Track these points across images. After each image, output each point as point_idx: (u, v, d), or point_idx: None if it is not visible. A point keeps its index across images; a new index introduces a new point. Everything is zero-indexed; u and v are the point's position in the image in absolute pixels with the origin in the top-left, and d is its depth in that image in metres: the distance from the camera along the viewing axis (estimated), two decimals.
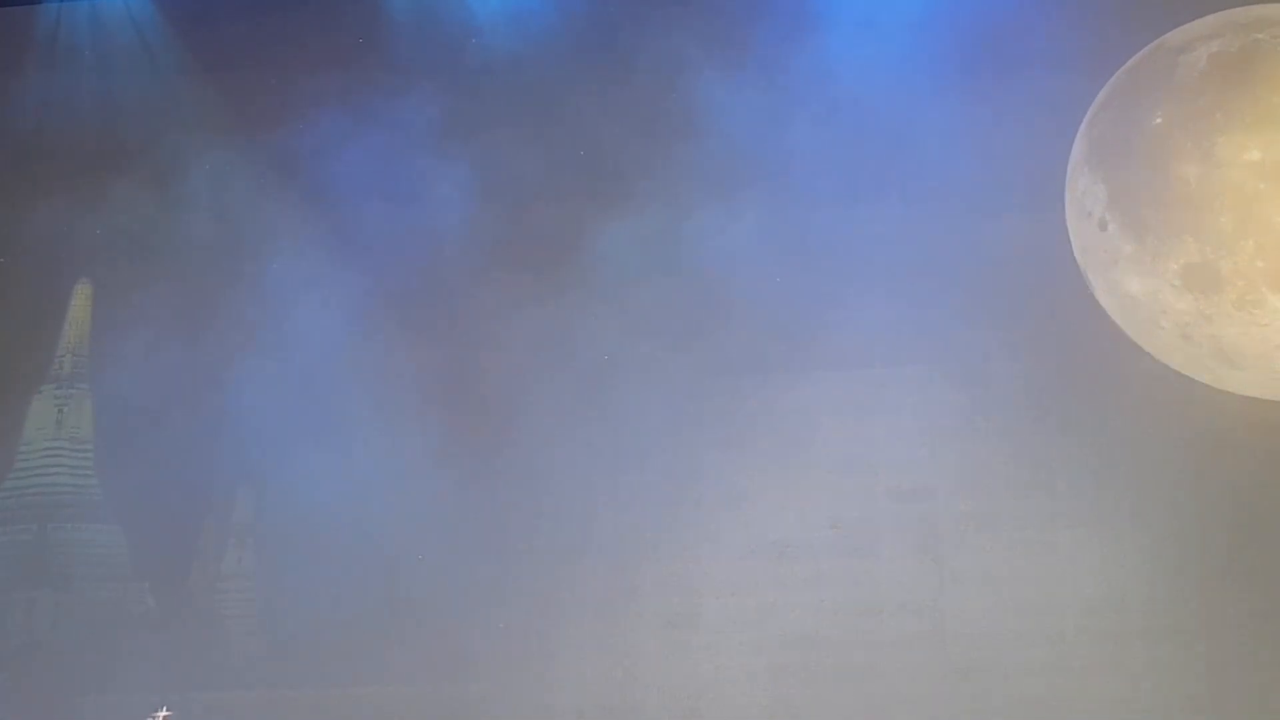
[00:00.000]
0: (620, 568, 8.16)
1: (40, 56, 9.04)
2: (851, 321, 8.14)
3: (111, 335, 8.69)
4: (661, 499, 8.18)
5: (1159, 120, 7.91)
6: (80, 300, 8.74)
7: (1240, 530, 7.81)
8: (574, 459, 8.28)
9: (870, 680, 7.94)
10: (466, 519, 8.15)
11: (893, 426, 8.14)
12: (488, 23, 8.62)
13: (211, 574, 8.41)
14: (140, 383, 8.47)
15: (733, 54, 8.36)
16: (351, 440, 8.20)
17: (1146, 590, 7.80)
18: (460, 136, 8.58)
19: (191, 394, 8.26)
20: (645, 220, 8.28)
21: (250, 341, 8.36)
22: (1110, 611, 7.84)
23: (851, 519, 8.14)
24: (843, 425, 8.18)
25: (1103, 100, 8.04)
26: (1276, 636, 7.65)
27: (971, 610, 7.97)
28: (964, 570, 8.02)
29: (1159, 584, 7.80)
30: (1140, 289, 8.00)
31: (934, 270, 8.07)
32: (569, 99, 8.57)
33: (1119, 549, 7.87)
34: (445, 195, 8.46)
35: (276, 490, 8.36)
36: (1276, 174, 7.76)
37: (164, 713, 7.20)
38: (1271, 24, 7.82)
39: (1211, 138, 7.81)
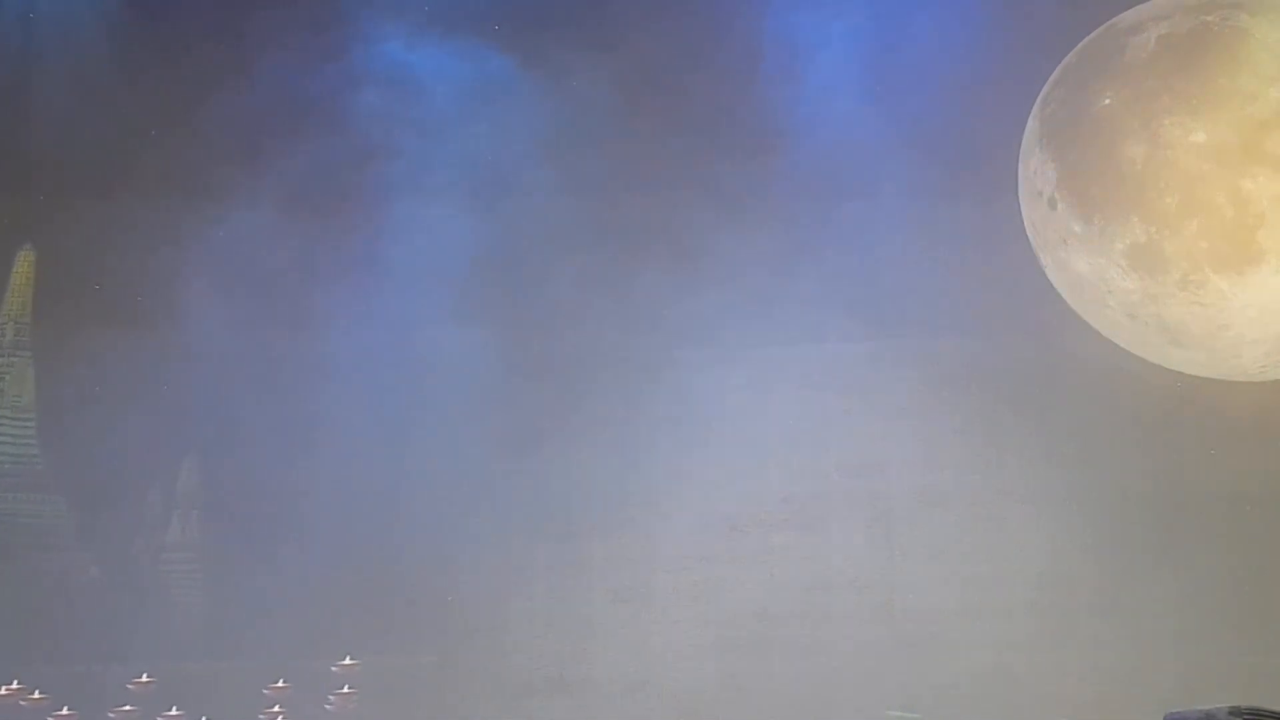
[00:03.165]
0: (570, 542, 8.37)
1: None
2: (803, 298, 8.36)
3: (54, 303, 8.68)
4: (612, 474, 8.37)
5: (1108, 101, 8.24)
6: (22, 267, 8.75)
7: (1183, 507, 8.11)
8: (524, 434, 8.43)
9: (819, 654, 8.24)
10: (416, 492, 8.32)
11: (844, 402, 8.39)
12: None
13: (156, 544, 8.45)
14: (84, 351, 8.46)
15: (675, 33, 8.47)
16: (299, 410, 8.24)
17: (1093, 565, 8.15)
18: None
19: (136, 362, 8.26)
20: (586, 193, 8.39)
21: (196, 310, 8.37)
22: (1057, 586, 8.15)
23: (802, 494, 8.36)
24: (794, 401, 8.42)
25: (1055, 79, 8.37)
26: (1214, 612, 7.96)
27: (920, 585, 8.27)
28: (913, 545, 8.32)
29: (1105, 559, 8.15)
30: (1088, 268, 8.31)
31: (886, 247, 8.31)
32: None
33: (1067, 525, 8.22)
34: None
35: (222, 459, 8.38)
36: (1221, 156, 8.09)
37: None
38: (1220, 7, 8.17)
39: (1159, 119, 8.15)
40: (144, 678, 8.03)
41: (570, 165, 8.36)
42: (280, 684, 8.11)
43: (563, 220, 8.35)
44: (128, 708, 8.07)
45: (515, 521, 8.38)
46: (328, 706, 8.17)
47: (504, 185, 8.49)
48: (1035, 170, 8.38)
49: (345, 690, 8.15)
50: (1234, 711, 5.26)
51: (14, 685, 7.98)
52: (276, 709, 8.09)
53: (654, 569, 8.38)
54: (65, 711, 7.99)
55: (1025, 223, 8.39)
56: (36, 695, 8.00)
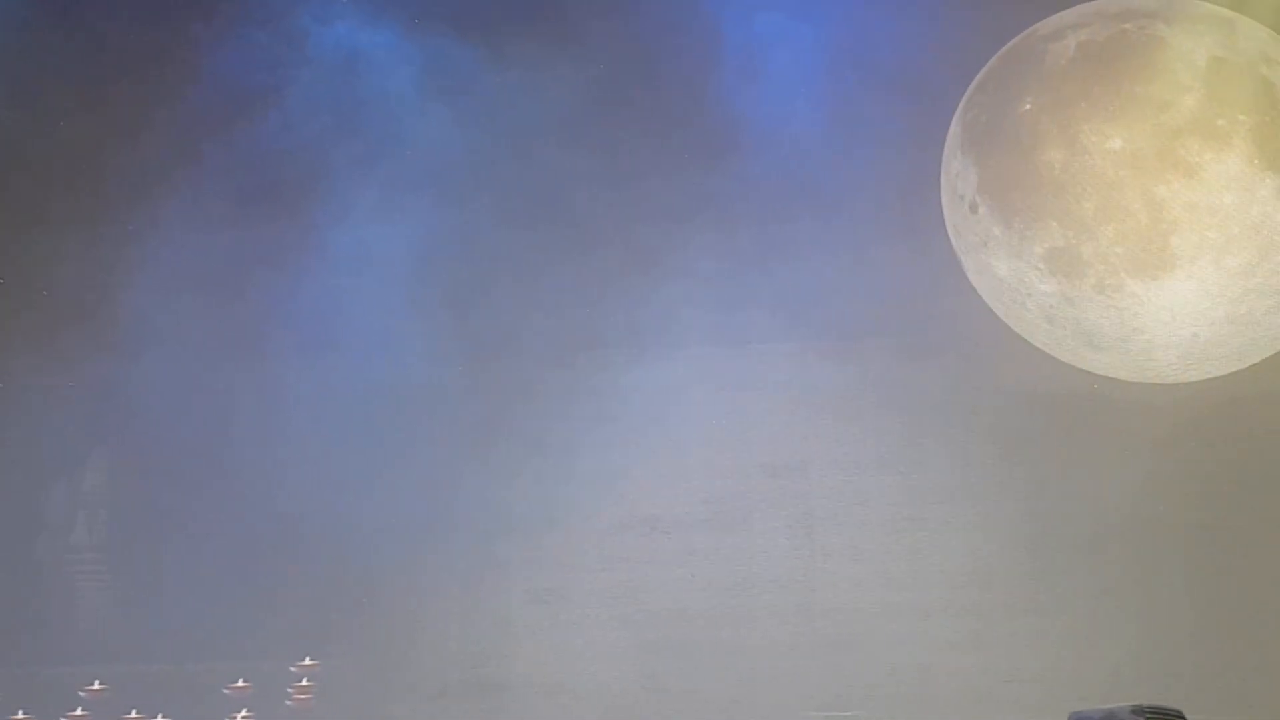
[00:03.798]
0: (488, 541, 8.32)
1: None
2: (726, 298, 8.39)
3: None
4: (532, 473, 8.33)
5: (1028, 106, 8.40)
6: None
7: (1099, 507, 8.24)
8: (441, 431, 8.35)
9: (740, 655, 8.27)
10: (329, 487, 8.18)
11: (766, 403, 8.49)
12: None
13: (60, 545, 8.20)
14: None
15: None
16: (210, 402, 8.08)
17: (1009, 565, 8.29)
18: None
19: (36, 347, 8.04)
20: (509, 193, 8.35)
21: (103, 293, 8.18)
22: (974, 586, 8.28)
23: (724, 494, 8.35)
24: (717, 401, 8.47)
25: (978, 84, 8.49)
26: (1129, 611, 8.13)
27: (841, 584, 8.32)
28: (834, 545, 8.39)
29: (1021, 559, 8.29)
30: (1007, 271, 8.46)
31: (809, 249, 8.37)
32: None
33: (985, 525, 8.35)
34: None
35: (131, 455, 8.18)
36: (1137, 162, 8.28)
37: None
38: (1139, 15, 8.38)
39: (1076, 125, 8.34)
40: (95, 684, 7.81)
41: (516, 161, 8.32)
42: (241, 683, 7.95)
43: (494, 216, 8.32)
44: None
45: (429, 521, 8.27)
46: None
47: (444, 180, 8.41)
48: (957, 174, 8.51)
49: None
50: (1136, 710, 5.34)
51: None
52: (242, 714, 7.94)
53: (574, 570, 8.33)
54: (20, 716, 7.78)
55: (947, 226, 8.51)
56: None
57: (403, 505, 8.28)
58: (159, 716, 7.95)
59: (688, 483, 8.42)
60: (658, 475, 8.40)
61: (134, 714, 7.92)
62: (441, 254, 8.32)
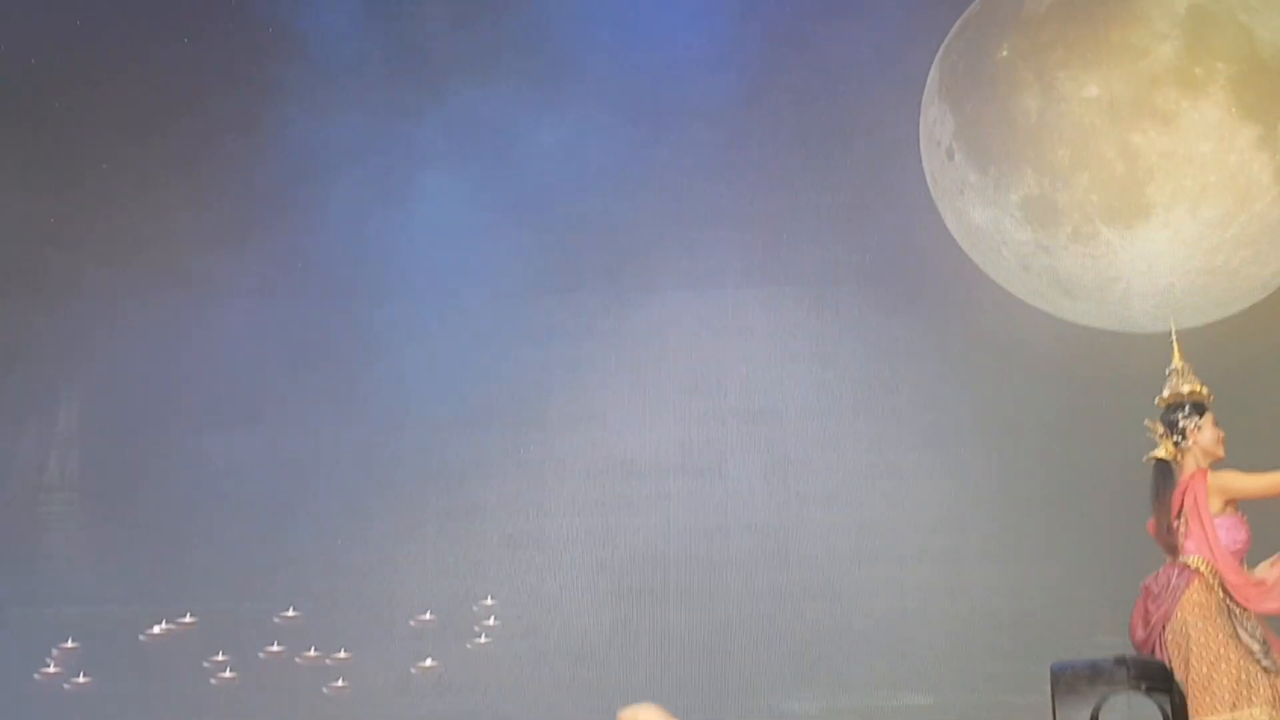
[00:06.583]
0: (464, 485, 8.48)
1: None
2: (703, 242, 8.54)
3: None
4: (508, 417, 8.46)
5: (1005, 53, 8.52)
6: None
7: (1073, 455, 8.33)
8: (419, 377, 8.46)
9: (714, 600, 8.45)
10: (304, 429, 8.29)
11: (742, 348, 8.65)
12: None
13: (32, 485, 8.27)
14: None
15: None
16: (185, 344, 8.17)
17: (986, 512, 8.46)
18: None
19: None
20: (481, 130, 8.44)
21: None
22: (950, 532, 8.42)
23: (699, 440, 8.45)
24: (692, 346, 8.65)
25: (957, 30, 8.66)
26: (1106, 559, 8.18)
27: (816, 531, 8.49)
28: (809, 492, 8.56)
29: (998, 506, 8.48)
30: (983, 219, 8.62)
31: (785, 192, 8.50)
32: None
33: (960, 471, 8.54)
34: None
35: (106, 393, 8.26)
36: (1112, 110, 8.43)
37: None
38: None
39: (1053, 72, 8.49)
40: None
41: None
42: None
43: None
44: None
45: (407, 467, 8.37)
46: None
47: None
48: (934, 120, 8.67)
49: None
50: (1119, 661, 5.46)
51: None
52: None
53: (549, 514, 8.46)
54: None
55: (925, 172, 8.62)
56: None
57: (377, 449, 8.39)
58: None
59: (663, 427, 8.56)
60: (633, 420, 8.54)
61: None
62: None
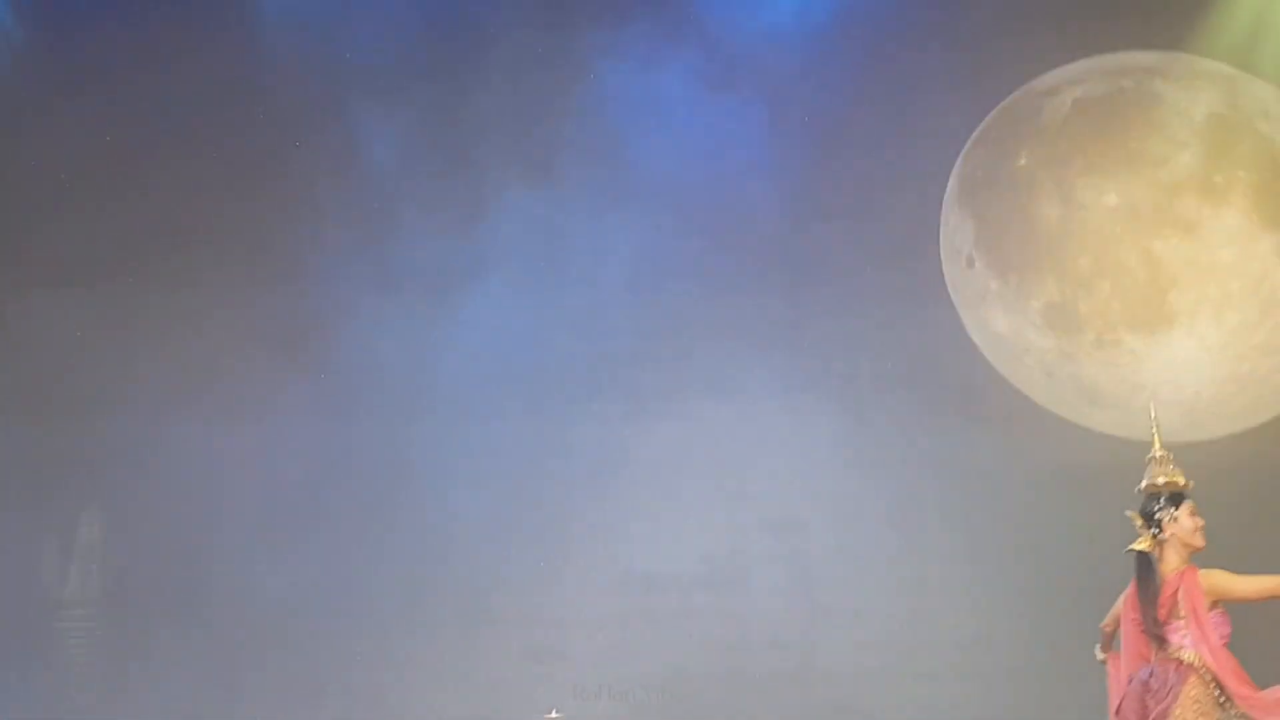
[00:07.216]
0: (483, 598, 8.42)
1: None
2: (724, 350, 8.51)
3: None
4: (529, 529, 8.46)
5: (1024, 161, 8.59)
6: None
7: (1103, 567, 8.18)
8: (439, 488, 8.41)
9: (738, 716, 8.09)
10: (322, 543, 8.26)
11: (765, 457, 8.55)
12: None
13: (53, 600, 8.20)
14: None
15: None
16: (206, 460, 8.13)
17: (1015, 627, 8.29)
18: None
19: (34, 395, 8.11)
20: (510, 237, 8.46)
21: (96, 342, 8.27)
22: (980, 649, 8.24)
23: (722, 552, 8.35)
24: (715, 456, 8.54)
25: (975, 139, 8.71)
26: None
27: (842, 647, 8.32)
28: (835, 605, 8.45)
29: (1027, 621, 8.35)
30: (1005, 326, 8.60)
31: (809, 301, 8.47)
32: None
33: (989, 585, 8.44)
34: None
35: (127, 511, 8.20)
36: (1133, 217, 8.46)
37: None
38: (1137, 71, 8.65)
39: (1072, 180, 8.56)
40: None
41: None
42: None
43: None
44: None
45: (424, 578, 8.28)
46: None
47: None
48: (954, 227, 8.71)
49: None
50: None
51: None
52: None
53: (569, 627, 8.36)
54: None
55: (946, 280, 8.62)
56: None
57: (394, 562, 8.30)
58: None
59: (685, 539, 8.47)
60: (654, 531, 8.45)
61: None
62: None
